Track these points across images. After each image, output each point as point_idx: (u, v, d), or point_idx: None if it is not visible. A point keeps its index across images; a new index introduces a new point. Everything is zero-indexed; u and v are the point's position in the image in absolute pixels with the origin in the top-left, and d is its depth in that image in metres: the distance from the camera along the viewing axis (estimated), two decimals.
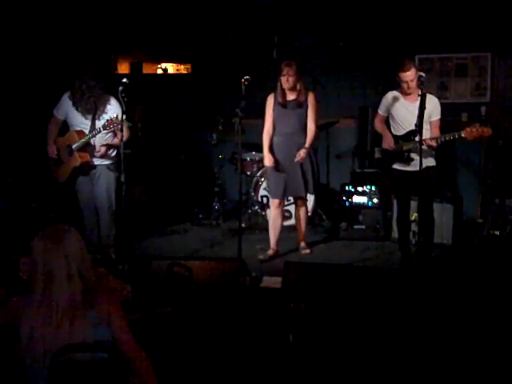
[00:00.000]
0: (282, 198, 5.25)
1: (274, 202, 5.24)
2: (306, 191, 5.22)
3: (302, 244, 5.42)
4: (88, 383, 2.24)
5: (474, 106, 6.64)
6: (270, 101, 5.11)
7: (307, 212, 5.48)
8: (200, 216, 6.65)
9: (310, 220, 6.28)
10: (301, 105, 5.03)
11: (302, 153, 4.98)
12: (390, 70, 5.31)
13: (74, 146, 4.94)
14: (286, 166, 5.10)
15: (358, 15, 6.84)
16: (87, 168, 5.05)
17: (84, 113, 4.91)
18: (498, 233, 5.26)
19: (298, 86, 5.02)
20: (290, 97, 5.05)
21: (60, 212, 5.94)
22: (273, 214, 5.26)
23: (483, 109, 6.56)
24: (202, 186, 7.09)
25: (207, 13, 7.17)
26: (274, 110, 5.09)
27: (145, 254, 5.35)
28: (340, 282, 4.47)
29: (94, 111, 4.89)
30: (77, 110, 4.92)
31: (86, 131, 4.91)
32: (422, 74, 4.49)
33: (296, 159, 5.00)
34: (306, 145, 5.04)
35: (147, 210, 6.70)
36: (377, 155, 4.97)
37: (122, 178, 4.63)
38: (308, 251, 5.37)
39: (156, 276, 3.92)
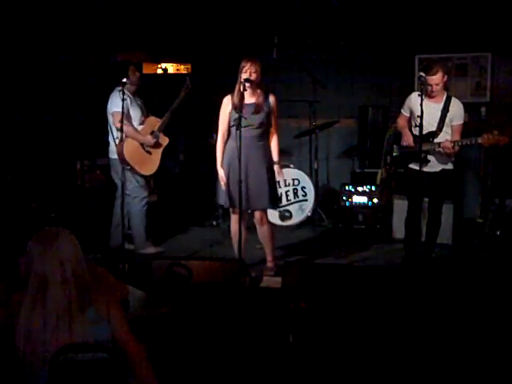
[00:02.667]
0: (241, 209, 4.47)
1: (235, 215, 4.61)
2: (262, 204, 4.64)
3: (269, 265, 4.80)
4: (88, 383, 2.24)
5: (474, 106, 6.64)
6: (227, 103, 4.60)
7: (271, 229, 4.81)
8: (200, 216, 6.65)
9: (309, 220, 6.32)
10: (260, 109, 4.53)
11: (280, 170, 4.76)
12: (391, 69, 5.33)
13: (157, 128, 5.28)
14: (245, 174, 4.50)
15: (358, 15, 6.85)
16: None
17: (137, 104, 5.34)
18: (498, 233, 5.26)
19: (259, 89, 4.54)
20: (249, 100, 4.54)
21: (60, 212, 5.94)
22: (235, 228, 4.61)
23: (483, 109, 6.56)
24: (201, 186, 7.09)
25: (207, 13, 7.17)
26: (230, 113, 4.58)
27: (145, 254, 5.35)
28: (340, 281, 4.47)
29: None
30: (132, 103, 5.22)
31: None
32: (422, 73, 4.49)
33: (282, 178, 4.92)
34: (276, 159, 4.68)
35: (147, 210, 6.69)
36: (395, 153, 4.96)
37: (123, 178, 4.64)
38: (272, 273, 4.68)
39: (156, 276, 3.92)
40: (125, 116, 5.00)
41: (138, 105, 5.31)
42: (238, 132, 4.33)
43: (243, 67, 4.44)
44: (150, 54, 7.75)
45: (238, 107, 4.42)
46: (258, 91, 4.54)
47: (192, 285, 3.63)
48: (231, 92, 4.61)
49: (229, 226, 6.17)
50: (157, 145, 5.31)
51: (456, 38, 6.62)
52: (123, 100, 4.52)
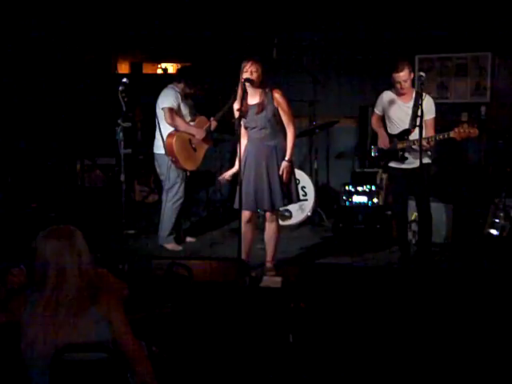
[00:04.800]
0: (253, 210, 4.60)
1: (243, 215, 4.43)
2: (273, 204, 4.53)
3: (268, 265, 4.73)
4: (88, 383, 2.25)
5: (474, 106, 6.64)
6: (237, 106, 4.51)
7: (278, 230, 4.73)
8: (199, 216, 6.65)
9: (310, 220, 6.31)
10: (263, 108, 4.44)
11: (285, 169, 4.48)
12: (390, 69, 5.31)
13: (205, 128, 5.42)
14: (255, 174, 4.52)
15: (358, 15, 6.84)
16: None
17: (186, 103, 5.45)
18: (497, 233, 5.26)
19: (262, 89, 4.45)
20: (253, 101, 4.50)
21: (60, 212, 5.94)
22: (243, 229, 4.42)
23: (483, 109, 6.57)
24: (200, 186, 7.09)
25: (207, 13, 7.17)
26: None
27: (145, 254, 5.35)
28: (340, 281, 4.48)
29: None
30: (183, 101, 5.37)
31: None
32: (422, 73, 4.51)
33: (285, 178, 4.50)
34: (287, 157, 4.49)
35: (147, 210, 6.70)
36: (373, 154, 5.01)
37: (122, 178, 4.65)
38: (273, 273, 4.64)
39: (156, 276, 3.93)
40: (175, 112, 5.25)
41: (187, 104, 5.43)
42: (237, 132, 4.28)
43: (244, 67, 4.39)
44: (150, 53, 7.76)
45: (240, 108, 4.37)
46: (261, 91, 4.46)
47: (192, 285, 3.63)
48: (231, 92, 4.59)
49: (229, 226, 6.28)
50: (204, 142, 5.47)
51: (456, 38, 6.62)
52: (123, 98, 4.53)
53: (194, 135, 5.36)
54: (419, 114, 4.39)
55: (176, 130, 5.28)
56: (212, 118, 5.45)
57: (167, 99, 5.27)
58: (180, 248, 5.49)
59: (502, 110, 6.58)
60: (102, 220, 6.01)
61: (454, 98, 6.78)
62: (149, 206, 6.93)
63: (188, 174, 5.48)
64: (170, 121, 5.24)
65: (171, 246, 5.48)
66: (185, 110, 5.39)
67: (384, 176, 5.86)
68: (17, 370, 2.35)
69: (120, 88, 4.48)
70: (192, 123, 5.42)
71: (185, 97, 5.43)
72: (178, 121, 5.28)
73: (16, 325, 2.29)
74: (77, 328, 2.24)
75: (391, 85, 4.82)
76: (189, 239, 5.78)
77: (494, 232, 5.25)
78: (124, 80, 4.50)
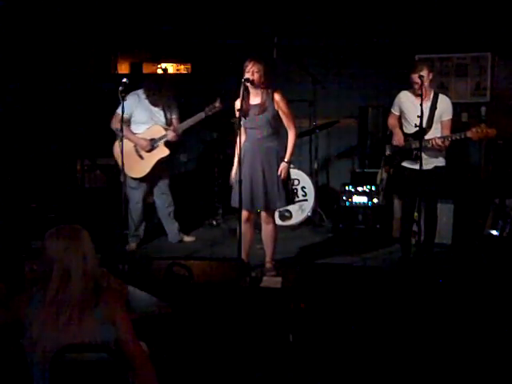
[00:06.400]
0: (250, 210, 4.61)
1: (242, 215, 4.45)
2: (268, 205, 4.57)
3: (268, 265, 4.75)
4: (88, 383, 2.25)
5: (474, 105, 6.65)
6: (237, 105, 4.52)
7: (275, 230, 4.76)
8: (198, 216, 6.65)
9: (309, 220, 6.32)
10: (264, 109, 4.44)
11: (284, 170, 4.50)
12: (391, 69, 5.34)
13: (158, 137, 5.31)
14: (252, 175, 4.53)
15: (358, 15, 6.85)
16: (165, 160, 5.45)
17: (155, 106, 5.40)
18: (497, 233, 5.26)
19: (263, 89, 4.44)
20: (254, 101, 4.49)
21: (60, 212, 5.94)
22: (242, 229, 4.50)
23: (483, 109, 6.57)
24: (202, 185, 7.09)
25: (207, 13, 7.17)
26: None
27: (145, 254, 5.35)
28: (340, 281, 4.49)
29: (162, 106, 5.44)
30: (140, 107, 5.34)
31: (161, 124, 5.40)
32: (422, 73, 4.52)
33: (283, 177, 4.51)
34: (286, 158, 4.51)
35: (147, 210, 6.68)
36: (387, 152, 5.01)
37: (122, 179, 4.65)
38: (273, 273, 4.67)
39: (156, 276, 3.93)
40: (121, 118, 4.99)
41: (148, 110, 5.38)
42: (238, 132, 4.29)
43: (246, 67, 4.37)
44: (150, 53, 7.75)
45: (240, 108, 4.36)
46: (262, 91, 4.44)
47: (192, 285, 3.64)
48: (231, 92, 4.59)
49: (229, 226, 6.27)
50: (154, 151, 5.37)
51: (456, 38, 6.62)
52: (123, 100, 4.54)
53: (135, 143, 5.34)
54: (435, 113, 4.38)
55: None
56: (172, 128, 5.36)
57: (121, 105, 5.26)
58: (132, 249, 5.48)
59: (501, 110, 6.58)
60: (101, 220, 6.01)
61: (454, 98, 6.72)
62: (149, 206, 6.91)
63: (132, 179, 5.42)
64: (112, 125, 5.27)
65: (129, 245, 5.49)
66: (142, 117, 5.36)
67: (384, 176, 5.86)
68: (19, 370, 2.35)
69: (120, 88, 4.48)
70: (144, 131, 5.35)
71: (152, 103, 5.38)
72: (118, 126, 5.06)
73: (18, 324, 2.29)
74: (81, 329, 2.24)
75: (391, 85, 4.83)
76: (187, 239, 5.78)
77: (494, 232, 5.25)
78: (124, 80, 4.49)
